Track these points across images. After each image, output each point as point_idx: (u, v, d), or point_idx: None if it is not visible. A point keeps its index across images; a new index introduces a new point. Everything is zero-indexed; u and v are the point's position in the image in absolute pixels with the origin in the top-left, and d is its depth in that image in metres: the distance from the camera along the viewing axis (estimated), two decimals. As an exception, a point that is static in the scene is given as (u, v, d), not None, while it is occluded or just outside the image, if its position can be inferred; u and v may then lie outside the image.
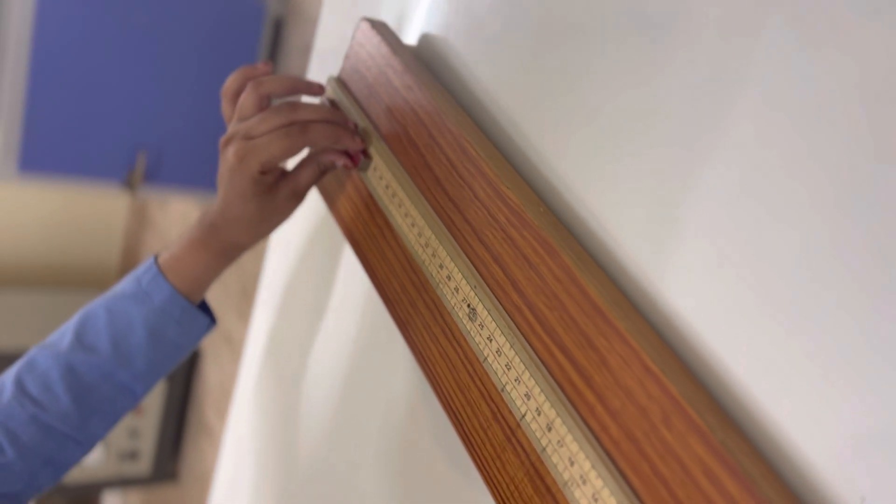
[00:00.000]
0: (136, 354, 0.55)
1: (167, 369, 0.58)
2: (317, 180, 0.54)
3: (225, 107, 0.55)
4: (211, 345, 2.71)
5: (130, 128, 2.16)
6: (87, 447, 0.57)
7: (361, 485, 0.60)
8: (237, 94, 0.54)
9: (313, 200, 0.67)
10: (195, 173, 2.32)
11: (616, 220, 0.38)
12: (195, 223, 0.56)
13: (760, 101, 0.31)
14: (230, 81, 0.55)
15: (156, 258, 0.57)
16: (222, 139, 0.51)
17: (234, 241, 0.55)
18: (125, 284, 0.57)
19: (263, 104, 0.51)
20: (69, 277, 3.37)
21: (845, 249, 0.28)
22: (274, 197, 0.53)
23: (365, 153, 0.52)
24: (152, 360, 0.56)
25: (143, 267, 0.57)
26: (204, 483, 2.75)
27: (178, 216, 3.04)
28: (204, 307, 0.60)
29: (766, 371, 0.31)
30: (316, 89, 0.54)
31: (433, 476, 0.51)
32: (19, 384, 0.55)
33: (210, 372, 2.72)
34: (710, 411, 0.31)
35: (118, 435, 2.74)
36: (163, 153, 2.23)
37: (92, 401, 0.55)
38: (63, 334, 0.56)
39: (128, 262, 3.41)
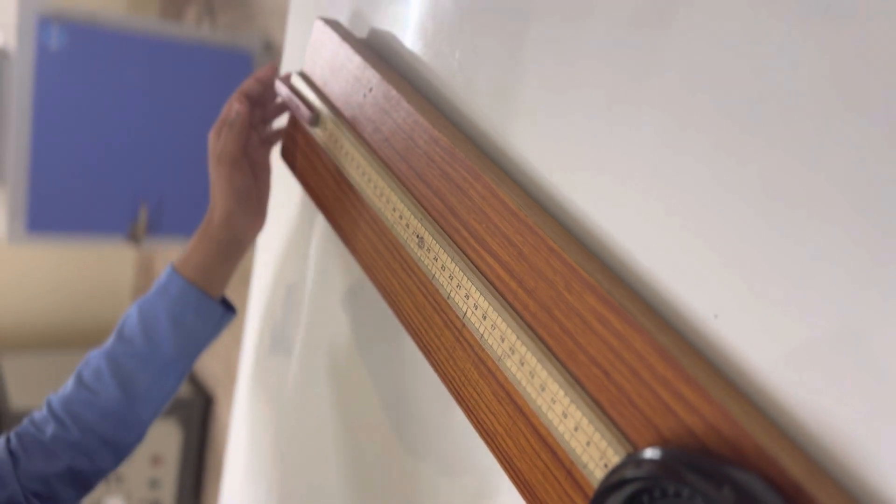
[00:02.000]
0: (164, 341, 0.65)
1: (194, 355, 0.67)
2: (240, 140, 0.65)
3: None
4: (222, 387, 2.77)
5: (131, 181, 2.26)
6: (137, 432, 0.67)
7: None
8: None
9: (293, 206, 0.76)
10: (196, 222, 2.41)
11: (521, 142, 0.46)
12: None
13: None
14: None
15: (173, 263, 0.67)
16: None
17: (224, 223, 0.65)
18: (152, 288, 0.67)
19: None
20: (81, 337, 3.45)
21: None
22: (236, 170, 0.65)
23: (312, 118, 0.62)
24: (178, 346, 0.65)
25: (164, 271, 0.67)
26: (225, 526, 2.77)
27: (182, 268, 3.14)
28: (225, 304, 0.69)
29: (651, 244, 0.38)
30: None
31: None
32: (78, 376, 0.66)
33: (223, 415, 2.78)
34: (599, 272, 0.39)
35: (139, 486, 2.79)
36: (163, 204, 2.33)
37: (134, 386, 0.65)
38: (111, 335, 0.68)
39: (137, 318, 3.50)
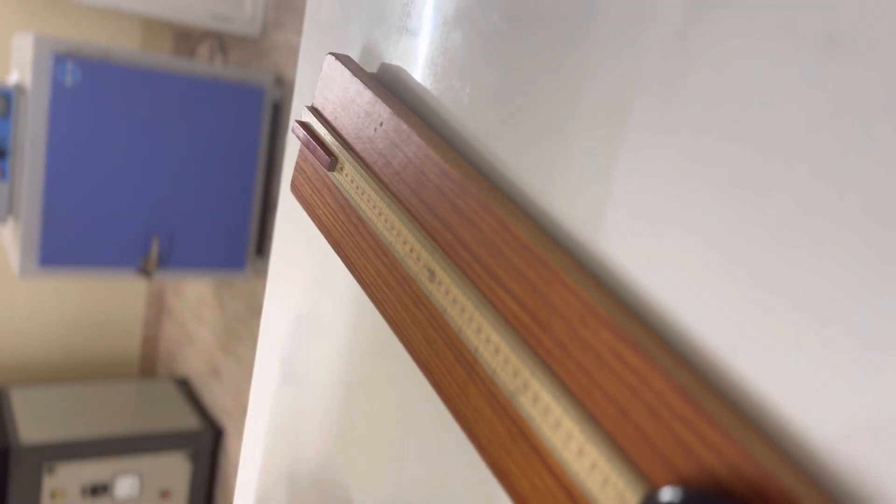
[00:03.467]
0: None
1: None
2: None
3: None
4: (232, 420, 2.76)
5: (143, 215, 2.28)
6: None
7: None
8: None
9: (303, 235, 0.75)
10: (206, 255, 2.42)
11: (531, 175, 0.45)
12: None
13: None
14: None
15: None
16: None
17: None
18: None
19: None
20: (91, 371, 3.45)
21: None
22: None
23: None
24: None
25: None
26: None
27: (193, 300, 3.14)
28: None
29: (667, 281, 0.38)
30: None
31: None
32: None
33: (233, 448, 2.76)
34: (615, 307, 0.38)
35: (146, 521, 2.76)
36: (175, 237, 2.34)
37: None
38: None
39: (147, 350, 3.49)
